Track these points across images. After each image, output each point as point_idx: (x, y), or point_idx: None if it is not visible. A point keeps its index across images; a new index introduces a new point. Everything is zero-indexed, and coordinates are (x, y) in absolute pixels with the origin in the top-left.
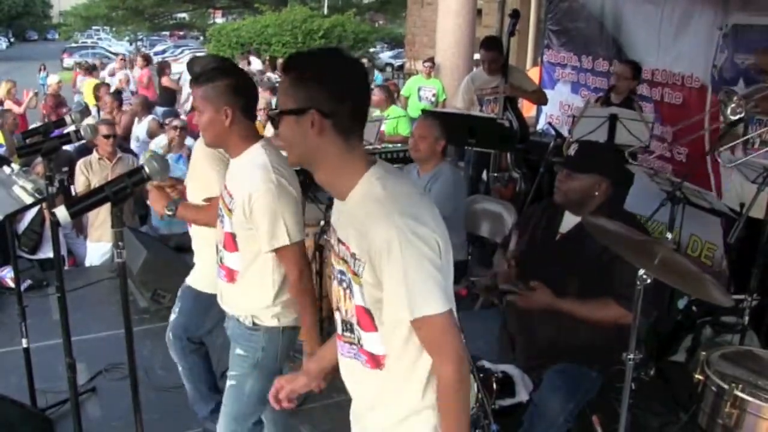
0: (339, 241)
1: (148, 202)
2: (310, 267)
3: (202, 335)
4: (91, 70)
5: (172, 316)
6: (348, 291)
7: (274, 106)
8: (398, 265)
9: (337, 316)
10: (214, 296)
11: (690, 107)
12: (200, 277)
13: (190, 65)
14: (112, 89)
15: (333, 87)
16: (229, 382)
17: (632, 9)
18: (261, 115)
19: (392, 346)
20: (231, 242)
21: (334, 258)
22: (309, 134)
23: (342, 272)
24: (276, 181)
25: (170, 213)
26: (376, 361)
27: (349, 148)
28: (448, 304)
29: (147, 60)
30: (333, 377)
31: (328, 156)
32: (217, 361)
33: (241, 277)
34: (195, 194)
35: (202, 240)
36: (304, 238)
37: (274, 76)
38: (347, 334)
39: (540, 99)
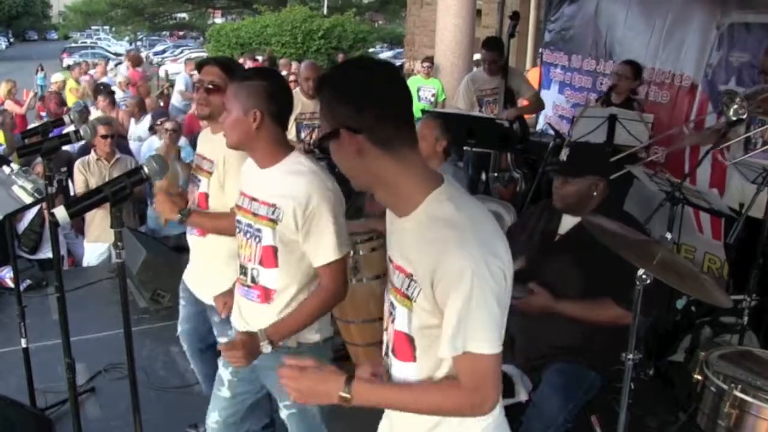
0: (389, 260)
1: (154, 207)
2: (346, 284)
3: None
4: (70, 69)
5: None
6: (391, 315)
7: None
8: (464, 297)
9: (384, 337)
10: None
11: (677, 106)
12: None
13: (230, 66)
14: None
15: (350, 99)
16: (287, 411)
17: (626, 8)
18: None
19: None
20: (271, 257)
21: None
22: (350, 156)
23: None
24: (332, 187)
25: (181, 218)
26: None
27: (398, 160)
28: (499, 348)
29: (137, 60)
30: None
31: (380, 173)
32: None
33: (278, 295)
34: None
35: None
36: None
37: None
38: (385, 358)
39: (537, 108)
